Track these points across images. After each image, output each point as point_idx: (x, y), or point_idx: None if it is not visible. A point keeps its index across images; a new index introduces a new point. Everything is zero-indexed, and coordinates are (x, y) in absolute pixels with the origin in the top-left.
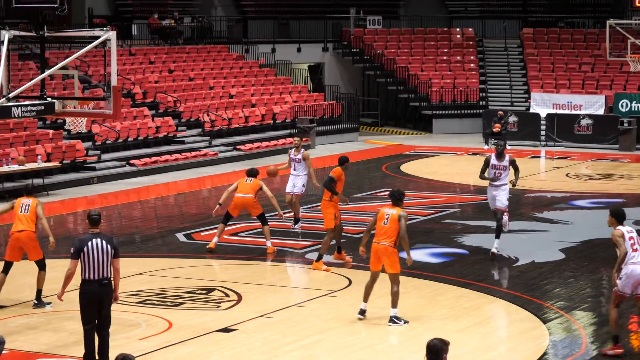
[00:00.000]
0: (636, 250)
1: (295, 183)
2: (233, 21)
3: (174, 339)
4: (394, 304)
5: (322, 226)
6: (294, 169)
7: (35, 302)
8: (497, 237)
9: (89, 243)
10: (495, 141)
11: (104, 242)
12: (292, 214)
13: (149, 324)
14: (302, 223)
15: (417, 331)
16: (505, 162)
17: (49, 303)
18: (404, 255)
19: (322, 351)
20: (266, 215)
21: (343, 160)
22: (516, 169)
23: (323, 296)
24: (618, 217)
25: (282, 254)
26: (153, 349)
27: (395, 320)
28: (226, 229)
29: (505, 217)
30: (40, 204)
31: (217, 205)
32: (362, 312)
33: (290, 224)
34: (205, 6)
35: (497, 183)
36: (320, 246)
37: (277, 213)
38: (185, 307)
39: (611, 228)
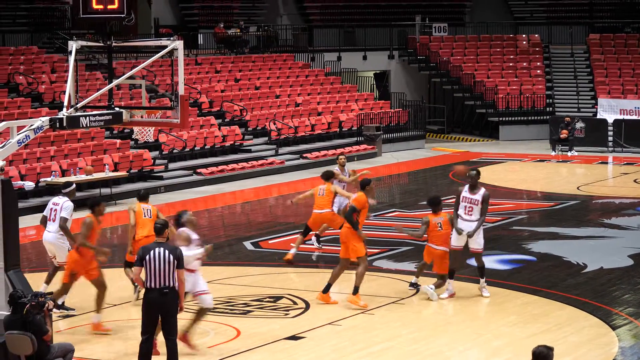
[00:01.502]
0: None
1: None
2: (299, 29)
3: (243, 346)
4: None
5: None
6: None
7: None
8: (482, 276)
9: (152, 252)
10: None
11: (166, 252)
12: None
13: (217, 332)
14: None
15: (485, 338)
16: (478, 197)
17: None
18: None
19: (391, 358)
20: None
21: (365, 183)
22: (483, 211)
23: (390, 303)
24: None
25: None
26: (222, 357)
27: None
28: (293, 237)
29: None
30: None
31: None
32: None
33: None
34: (271, 15)
35: (469, 218)
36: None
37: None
38: (253, 315)
39: None
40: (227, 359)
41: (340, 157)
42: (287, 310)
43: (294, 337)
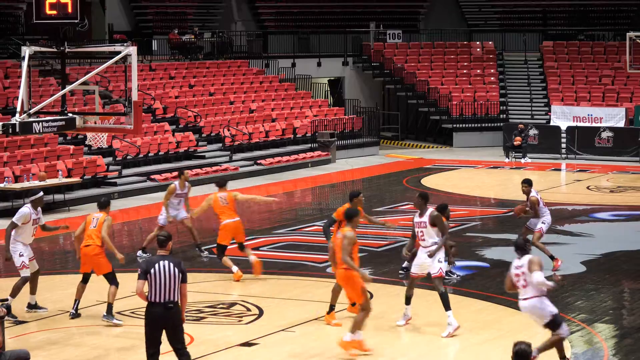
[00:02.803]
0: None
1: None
2: (253, 36)
3: (196, 353)
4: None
5: None
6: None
7: (105, 315)
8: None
9: (156, 265)
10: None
11: (171, 265)
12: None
13: None
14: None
15: (439, 344)
16: (425, 219)
17: (120, 321)
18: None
19: None
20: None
21: (353, 195)
22: (440, 232)
23: (344, 310)
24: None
25: (303, 268)
26: None
27: None
28: (246, 243)
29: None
30: (108, 219)
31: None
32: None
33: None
34: (225, 21)
35: (423, 243)
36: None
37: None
38: (207, 322)
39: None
40: None
41: (186, 171)
42: (241, 317)
43: (247, 344)
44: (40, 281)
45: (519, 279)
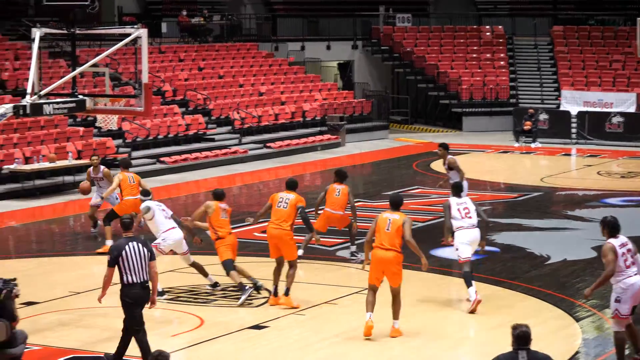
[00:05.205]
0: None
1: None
2: (262, 19)
3: (206, 335)
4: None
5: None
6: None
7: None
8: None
9: (126, 247)
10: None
11: (139, 245)
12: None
13: (181, 320)
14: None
15: (451, 328)
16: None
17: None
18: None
19: (354, 349)
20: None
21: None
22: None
23: (355, 293)
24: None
25: (313, 251)
26: (185, 346)
27: None
28: (257, 225)
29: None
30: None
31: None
32: None
33: None
34: (235, 4)
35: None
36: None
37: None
38: (217, 304)
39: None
40: (190, 347)
41: (93, 157)
42: (251, 300)
43: (257, 327)
44: (50, 263)
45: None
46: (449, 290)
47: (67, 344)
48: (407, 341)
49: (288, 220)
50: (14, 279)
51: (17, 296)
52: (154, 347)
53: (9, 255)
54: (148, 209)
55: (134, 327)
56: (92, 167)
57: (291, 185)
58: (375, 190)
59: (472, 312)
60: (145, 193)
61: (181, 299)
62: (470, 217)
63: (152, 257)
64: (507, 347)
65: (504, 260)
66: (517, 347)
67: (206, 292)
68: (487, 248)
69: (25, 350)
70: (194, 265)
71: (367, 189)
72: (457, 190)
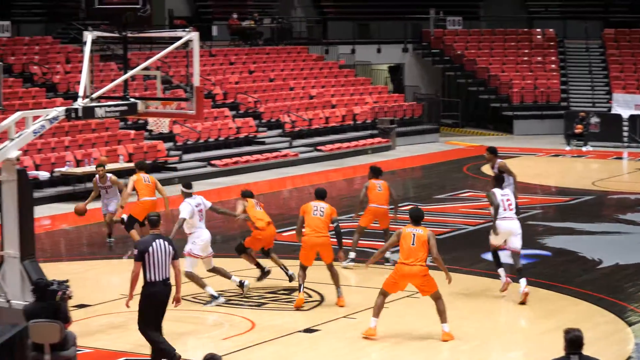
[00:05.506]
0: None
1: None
2: (313, 22)
3: (257, 339)
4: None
5: None
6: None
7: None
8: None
9: (153, 244)
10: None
11: (165, 243)
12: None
13: (232, 324)
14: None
15: (501, 332)
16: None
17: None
18: None
19: (406, 352)
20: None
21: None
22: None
23: (406, 297)
24: None
25: (364, 254)
26: (236, 349)
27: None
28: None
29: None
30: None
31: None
32: None
33: None
34: (285, 7)
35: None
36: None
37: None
38: (268, 308)
39: None
40: (241, 350)
41: (99, 166)
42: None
43: (308, 330)
44: (101, 265)
45: None
46: (499, 294)
47: (118, 346)
48: (457, 345)
49: (327, 228)
50: (67, 281)
51: (70, 298)
52: (205, 350)
53: (60, 257)
54: (192, 214)
55: (147, 327)
56: (98, 176)
57: (321, 194)
58: (426, 193)
59: (504, 290)
60: (188, 186)
61: (232, 302)
62: (512, 209)
63: (175, 256)
64: (558, 351)
65: (555, 264)
66: (570, 351)
67: (258, 295)
68: (540, 252)
69: (77, 352)
70: (214, 270)
71: (417, 193)
72: (499, 182)
